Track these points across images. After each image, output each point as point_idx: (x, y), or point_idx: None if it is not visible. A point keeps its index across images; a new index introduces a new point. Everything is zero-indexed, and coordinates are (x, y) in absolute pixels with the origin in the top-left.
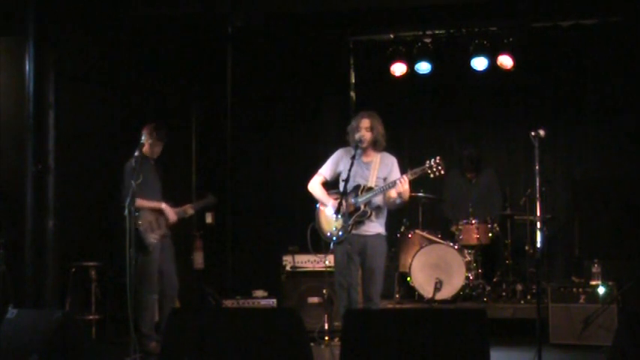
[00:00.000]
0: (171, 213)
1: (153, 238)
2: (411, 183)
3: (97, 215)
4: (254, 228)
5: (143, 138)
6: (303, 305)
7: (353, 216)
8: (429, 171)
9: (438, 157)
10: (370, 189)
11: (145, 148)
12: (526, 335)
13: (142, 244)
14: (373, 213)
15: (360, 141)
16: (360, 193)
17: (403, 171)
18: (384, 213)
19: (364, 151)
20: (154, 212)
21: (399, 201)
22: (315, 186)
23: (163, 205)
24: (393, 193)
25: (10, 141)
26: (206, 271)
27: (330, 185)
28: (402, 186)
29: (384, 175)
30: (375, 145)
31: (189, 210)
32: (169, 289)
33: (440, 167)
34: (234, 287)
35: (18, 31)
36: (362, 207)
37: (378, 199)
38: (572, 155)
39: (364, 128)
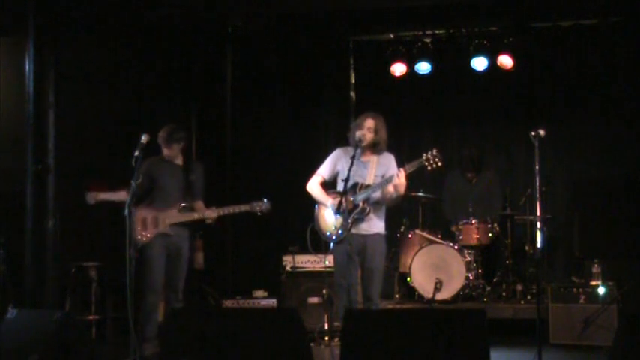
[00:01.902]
0: (166, 216)
1: (142, 236)
2: (411, 182)
3: (97, 215)
4: (254, 228)
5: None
6: (303, 305)
7: (352, 214)
8: (427, 163)
9: (435, 150)
10: (368, 186)
11: (163, 151)
12: (526, 335)
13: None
14: (372, 210)
15: (360, 140)
16: (358, 190)
17: (401, 167)
18: (383, 210)
19: (363, 151)
20: (152, 211)
21: (396, 195)
22: (313, 186)
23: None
24: (390, 188)
25: (10, 141)
26: (206, 271)
27: (328, 185)
28: (399, 179)
29: (382, 172)
30: (374, 148)
31: (210, 213)
32: (168, 290)
33: (437, 159)
34: (234, 287)
35: (18, 31)
36: (360, 204)
37: (377, 196)
38: (572, 155)
39: (367, 128)
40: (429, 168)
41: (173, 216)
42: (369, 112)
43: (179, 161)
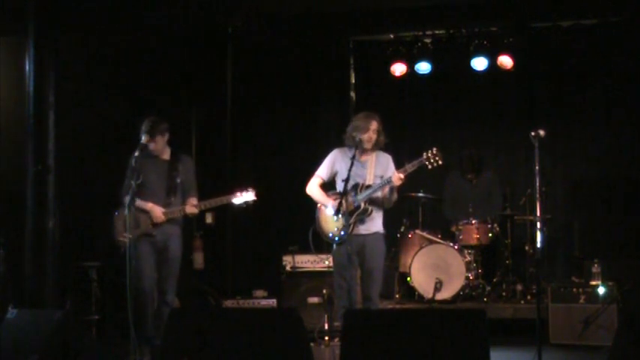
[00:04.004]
0: (157, 213)
1: (123, 236)
2: (411, 182)
3: (97, 215)
4: (254, 228)
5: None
6: (303, 305)
7: (353, 215)
8: (427, 162)
9: (434, 149)
10: (368, 187)
11: (148, 145)
12: (526, 335)
13: (114, 243)
14: (373, 210)
15: (367, 142)
16: (358, 191)
17: (400, 167)
18: (382, 210)
19: (363, 151)
20: (137, 211)
21: (394, 197)
22: (313, 188)
23: (149, 205)
24: (387, 189)
25: (10, 141)
26: (206, 271)
27: (327, 186)
28: (397, 181)
29: (381, 173)
30: (374, 146)
31: (190, 208)
32: (158, 293)
33: (437, 158)
34: (234, 287)
35: (18, 31)
36: (362, 205)
37: (377, 196)
38: (572, 155)
39: (372, 130)
40: (430, 167)
41: (155, 215)
42: (370, 114)
43: (166, 156)
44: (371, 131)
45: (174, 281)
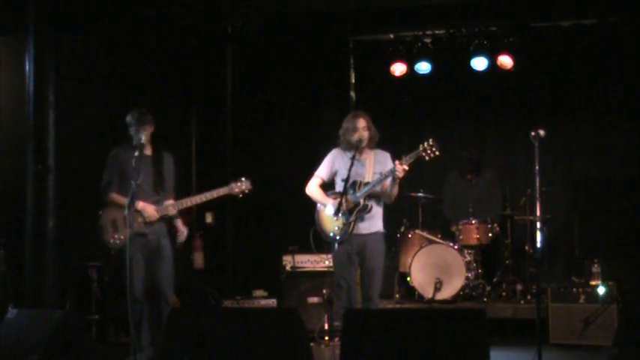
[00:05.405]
0: (150, 211)
1: (114, 238)
2: (411, 182)
3: (98, 215)
4: (254, 228)
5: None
6: (303, 305)
7: (353, 212)
8: (424, 153)
9: (431, 139)
10: (367, 183)
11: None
12: (526, 335)
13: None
14: (373, 207)
15: (361, 141)
16: (357, 189)
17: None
18: (382, 208)
19: (362, 149)
20: (123, 209)
21: (393, 186)
22: (313, 188)
23: (141, 204)
24: (388, 182)
25: (10, 141)
26: (206, 271)
27: (326, 186)
28: (401, 172)
29: (380, 170)
30: (369, 143)
31: (171, 209)
32: (155, 295)
33: (434, 149)
34: (234, 287)
35: (18, 31)
36: (361, 202)
37: (376, 192)
38: (572, 155)
39: (361, 128)
40: (427, 158)
41: (148, 214)
42: (356, 113)
43: (148, 151)
44: (361, 130)
45: (171, 280)
